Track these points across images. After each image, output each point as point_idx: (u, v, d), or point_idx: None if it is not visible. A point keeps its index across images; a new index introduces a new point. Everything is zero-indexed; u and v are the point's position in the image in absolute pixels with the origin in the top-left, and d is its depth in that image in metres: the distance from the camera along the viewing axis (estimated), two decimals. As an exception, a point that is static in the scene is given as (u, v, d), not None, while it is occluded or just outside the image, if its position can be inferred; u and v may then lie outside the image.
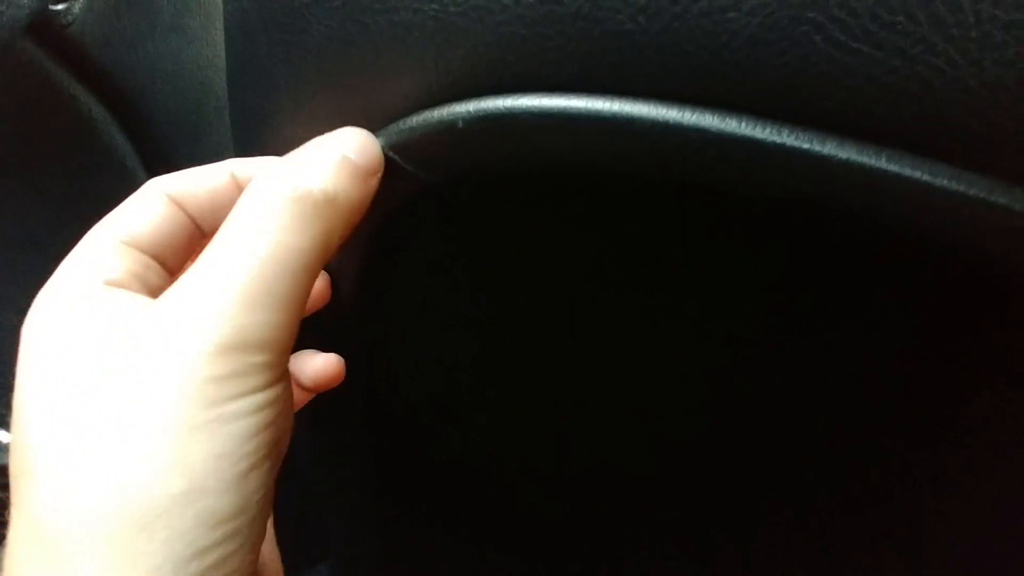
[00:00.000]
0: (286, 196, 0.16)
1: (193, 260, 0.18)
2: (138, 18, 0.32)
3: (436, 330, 0.27)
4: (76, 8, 0.31)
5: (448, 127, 0.16)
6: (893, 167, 0.12)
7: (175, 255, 0.20)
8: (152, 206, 0.20)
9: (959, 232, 0.13)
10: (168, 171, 0.34)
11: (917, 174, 0.12)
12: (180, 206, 0.20)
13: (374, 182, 0.17)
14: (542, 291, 0.25)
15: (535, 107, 0.15)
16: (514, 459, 0.32)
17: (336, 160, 0.17)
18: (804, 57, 0.12)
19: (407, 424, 0.33)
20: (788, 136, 0.13)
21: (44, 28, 0.29)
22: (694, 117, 0.13)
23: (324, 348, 0.25)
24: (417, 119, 0.16)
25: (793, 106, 0.12)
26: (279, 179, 0.16)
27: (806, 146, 0.12)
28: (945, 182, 0.12)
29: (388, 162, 0.17)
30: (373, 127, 0.17)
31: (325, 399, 0.30)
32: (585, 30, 0.14)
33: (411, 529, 0.41)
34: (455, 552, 0.40)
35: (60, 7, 0.31)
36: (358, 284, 0.24)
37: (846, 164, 0.12)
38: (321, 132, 0.18)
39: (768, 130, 0.13)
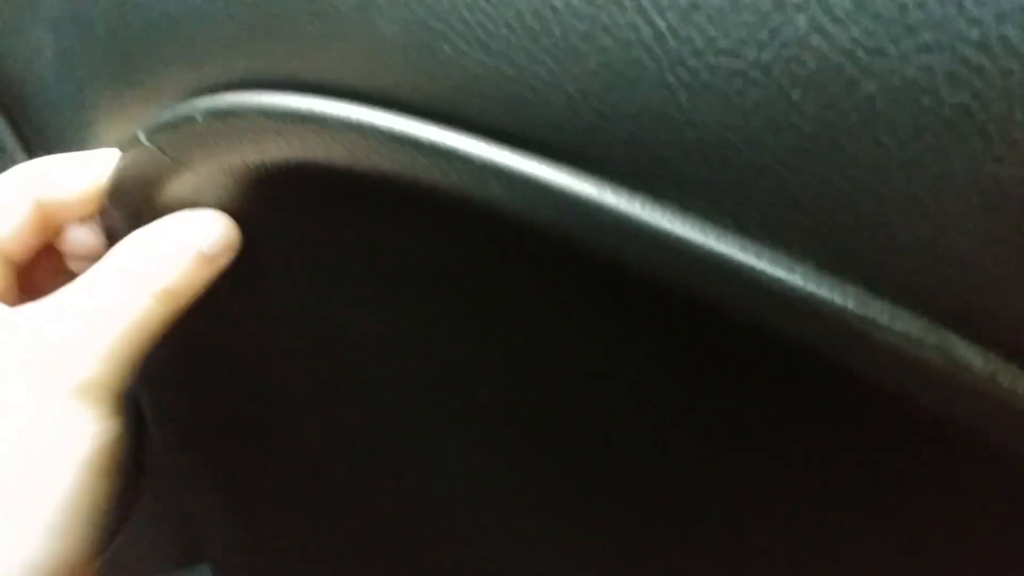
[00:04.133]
0: (150, 291, 0.19)
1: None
2: (19, 8, 0.34)
3: (275, 322, 0.29)
4: (-49, -4, 0.32)
5: (188, 120, 0.17)
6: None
7: (24, 253, 0.21)
8: (18, 211, 0.21)
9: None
10: (44, 152, 0.36)
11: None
12: (44, 209, 0.21)
13: (222, 262, 0.20)
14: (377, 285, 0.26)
15: (254, 104, 0.16)
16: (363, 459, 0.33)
17: (191, 256, 0.19)
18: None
19: (253, 420, 0.34)
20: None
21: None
22: (388, 119, 0.15)
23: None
24: (169, 112, 0.18)
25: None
26: (139, 275, 0.19)
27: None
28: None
29: (148, 151, 0.19)
30: (141, 117, 0.19)
31: (175, 398, 0.32)
32: (281, 31, 0.15)
33: (268, 526, 0.42)
34: (312, 547, 0.41)
35: (-68, -6, 0.32)
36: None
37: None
38: (111, 119, 0.20)
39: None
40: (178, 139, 0.18)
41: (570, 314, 0.18)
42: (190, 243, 0.19)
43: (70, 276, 0.20)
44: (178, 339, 0.26)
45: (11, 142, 0.36)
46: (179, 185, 0.20)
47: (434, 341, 0.24)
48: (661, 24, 0.11)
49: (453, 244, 0.20)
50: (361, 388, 0.28)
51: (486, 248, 0.17)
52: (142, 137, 0.18)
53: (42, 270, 0.22)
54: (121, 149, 0.20)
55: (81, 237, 0.22)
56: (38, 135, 0.36)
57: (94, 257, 0.20)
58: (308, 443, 0.33)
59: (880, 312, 0.11)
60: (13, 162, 0.36)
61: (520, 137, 0.13)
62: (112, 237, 0.22)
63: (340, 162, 0.16)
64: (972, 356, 0.11)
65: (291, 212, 0.20)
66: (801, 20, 0.10)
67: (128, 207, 0.20)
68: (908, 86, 0.10)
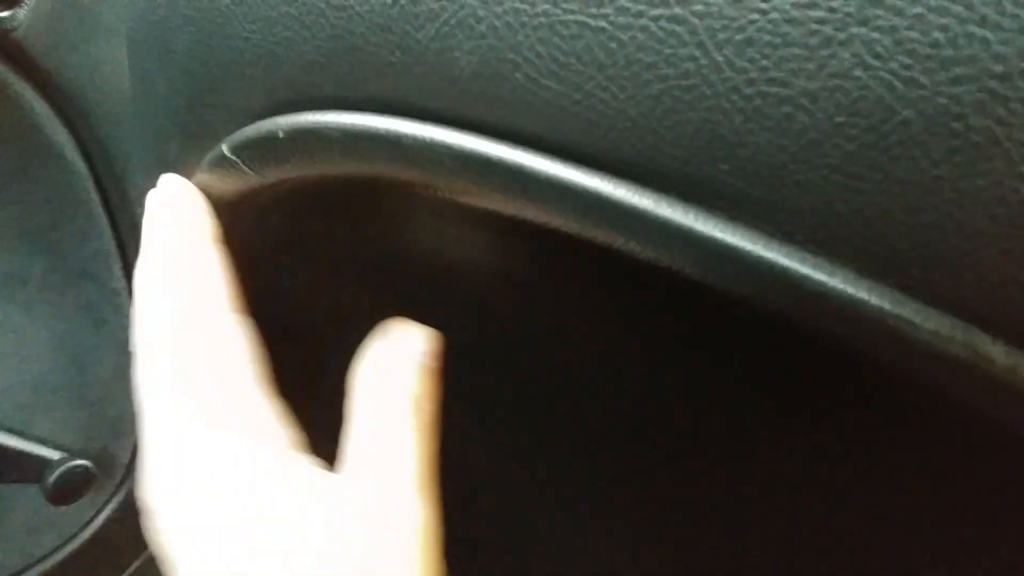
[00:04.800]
0: (410, 427, 0.20)
1: None
2: (78, 23, 0.35)
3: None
4: (21, 15, 0.34)
5: (271, 136, 0.19)
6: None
7: None
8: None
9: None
10: (103, 161, 0.38)
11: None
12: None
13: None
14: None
15: (334, 123, 0.18)
16: None
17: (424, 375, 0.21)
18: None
19: None
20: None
21: (-10, 31, 0.33)
22: (460, 139, 0.17)
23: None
24: (252, 129, 0.20)
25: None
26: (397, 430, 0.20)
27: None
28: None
29: (231, 163, 0.20)
30: (223, 135, 0.21)
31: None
32: (362, 60, 0.17)
33: None
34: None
35: (6, 14, 0.34)
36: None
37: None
38: (189, 134, 0.22)
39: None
40: (260, 154, 0.20)
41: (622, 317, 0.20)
42: (414, 361, 0.21)
43: None
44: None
45: (71, 150, 0.38)
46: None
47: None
48: (719, 57, 0.13)
49: (511, 252, 0.22)
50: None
51: (547, 254, 0.18)
52: (226, 151, 0.20)
53: None
54: (199, 161, 0.22)
55: None
56: (99, 145, 0.38)
57: None
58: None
59: (913, 312, 0.13)
60: (72, 170, 0.38)
61: (585, 155, 0.15)
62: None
63: (413, 179, 0.18)
64: (996, 351, 0.13)
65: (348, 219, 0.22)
66: (846, 55, 0.12)
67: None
68: (940, 113, 0.12)
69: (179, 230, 0.22)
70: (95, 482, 0.44)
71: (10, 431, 0.41)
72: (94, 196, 0.39)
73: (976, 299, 0.13)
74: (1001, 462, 0.20)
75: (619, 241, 0.15)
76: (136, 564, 0.56)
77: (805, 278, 0.13)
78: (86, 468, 0.42)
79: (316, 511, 0.18)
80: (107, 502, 0.49)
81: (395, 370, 0.20)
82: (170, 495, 0.19)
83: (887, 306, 0.13)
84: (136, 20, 0.24)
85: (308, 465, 0.19)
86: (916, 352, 0.13)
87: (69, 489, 0.42)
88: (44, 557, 0.48)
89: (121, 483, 0.49)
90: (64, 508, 0.45)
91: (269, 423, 0.20)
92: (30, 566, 0.47)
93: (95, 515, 0.49)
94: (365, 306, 0.25)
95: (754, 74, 0.12)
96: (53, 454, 0.42)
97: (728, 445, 0.26)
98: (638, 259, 0.15)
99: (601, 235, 0.15)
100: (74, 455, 0.42)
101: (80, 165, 0.38)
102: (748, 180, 0.13)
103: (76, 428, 0.44)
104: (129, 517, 0.51)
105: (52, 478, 0.41)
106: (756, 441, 0.25)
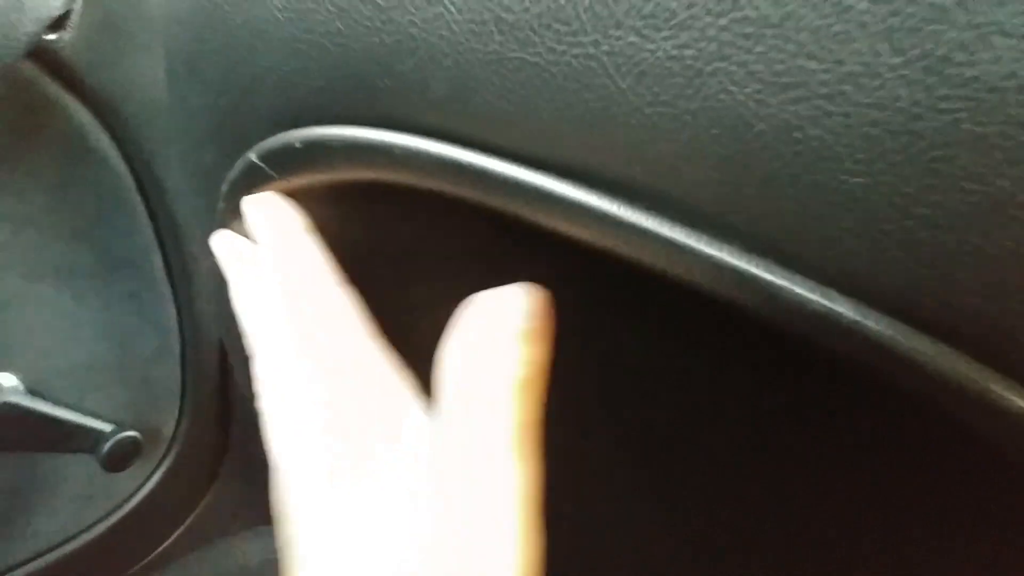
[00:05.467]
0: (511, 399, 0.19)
1: None
2: (116, 41, 0.40)
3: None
4: (66, 36, 0.39)
5: (290, 146, 0.23)
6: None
7: None
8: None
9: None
10: (143, 165, 0.42)
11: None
12: None
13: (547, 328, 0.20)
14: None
15: (339, 136, 0.22)
16: None
17: (520, 341, 0.19)
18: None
19: None
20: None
21: (40, 52, 0.37)
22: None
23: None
24: (274, 140, 0.24)
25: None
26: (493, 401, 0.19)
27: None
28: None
29: (258, 168, 0.25)
30: (251, 144, 0.25)
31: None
32: (359, 84, 0.21)
33: None
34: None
35: (52, 36, 0.38)
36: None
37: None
38: (219, 141, 0.26)
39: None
40: (281, 161, 0.24)
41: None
42: (510, 328, 0.19)
43: None
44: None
45: (114, 155, 0.42)
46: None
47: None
48: (624, 85, 0.17)
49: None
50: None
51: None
52: (254, 158, 0.24)
53: None
54: (232, 165, 0.26)
55: None
56: (138, 150, 0.42)
57: None
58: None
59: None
60: (116, 173, 0.43)
61: (533, 159, 0.19)
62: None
63: (402, 180, 0.22)
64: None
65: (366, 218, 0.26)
66: (713, 83, 0.16)
67: (240, 208, 0.26)
68: (784, 126, 0.15)
69: (277, 224, 0.25)
70: (143, 452, 0.49)
71: (67, 407, 0.46)
72: (135, 196, 0.44)
73: (833, 264, 0.17)
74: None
75: (550, 221, 0.19)
76: (179, 532, 0.61)
77: (699, 254, 0.17)
78: (135, 439, 0.47)
79: (423, 456, 0.20)
80: (152, 473, 0.54)
81: (493, 331, 0.20)
82: (294, 436, 0.22)
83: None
84: (172, 48, 0.28)
85: (420, 412, 0.22)
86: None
87: (121, 457, 0.47)
88: (97, 522, 0.53)
89: (165, 455, 0.54)
90: (114, 477, 0.51)
91: (387, 372, 0.23)
92: (84, 531, 0.52)
93: (142, 485, 0.54)
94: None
95: (649, 97, 0.16)
96: (106, 426, 0.47)
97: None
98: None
99: (543, 219, 0.19)
100: (123, 428, 0.47)
101: (122, 169, 0.43)
102: (653, 177, 0.17)
103: (123, 404, 0.49)
104: (172, 489, 0.57)
105: (106, 447, 0.46)
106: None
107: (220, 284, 0.28)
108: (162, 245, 0.45)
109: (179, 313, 0.48)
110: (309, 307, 0.24)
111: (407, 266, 0.31)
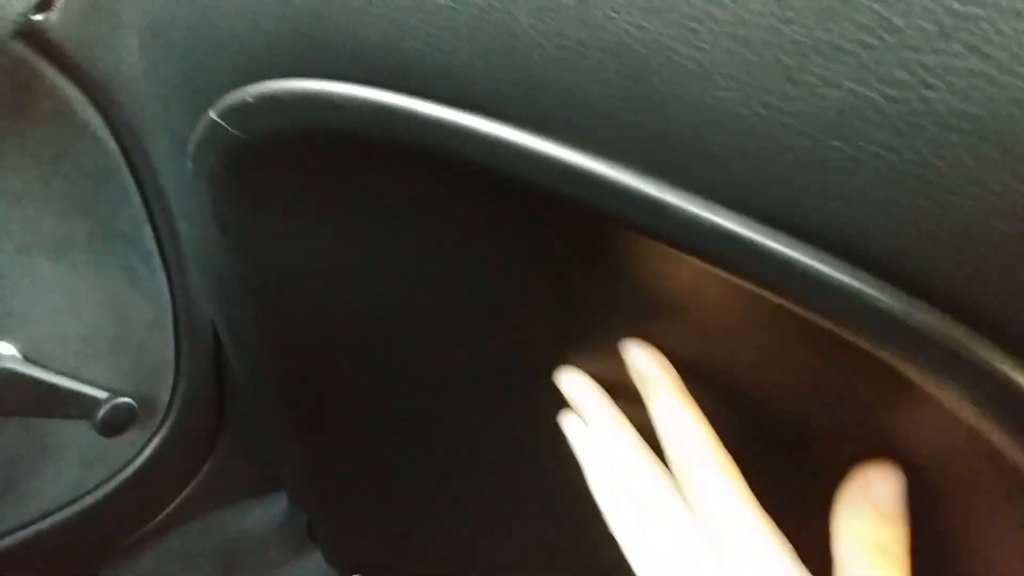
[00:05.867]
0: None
1: None
2: (102, 21, 0.42)
3: (318, 274, 0.36)
4: (54, 17, 0.41)
5: (244, 101, 0.25)
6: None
7: None
8: None
9: None
10: (131, 139, 0.44)
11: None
12: None
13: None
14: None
15: (286, 88, 0.24)
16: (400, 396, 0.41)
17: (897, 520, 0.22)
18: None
19: (308, 362, 0.42)
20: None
21: (29, 32, 0.39)
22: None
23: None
24: (229, 96, 0.26)
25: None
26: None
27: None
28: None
29: (219, 127, 0.27)
30: (211, 103, 0.27)
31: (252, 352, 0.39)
32: (301, 39, 0.23)
33: (333, 452, 0.50)
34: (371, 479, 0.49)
35: (40, 17, 0.40)
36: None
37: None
38: (184, 103, 0.28)
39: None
40: (237, 116, 0.26)
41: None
42: (884, 505, 0.22)
43: None
44: (256, 296, 0.34)
45: (103, 130, 0.44)
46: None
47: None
48: (525, 20, 0.18)
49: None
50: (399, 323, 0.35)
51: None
52: (213, 115, 0.26)
53: None
54: (193, 125, 0.28)
55: None
56: (126, 125, 0.44)
57: None
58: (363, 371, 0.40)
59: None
60: (105, 149, 0.45)
61: (448, 97, 0.21)
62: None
63: (345, 128, 0.24)
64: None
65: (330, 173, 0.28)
66: (611, 16, 0.17)
67: (205, 168, 0.28)
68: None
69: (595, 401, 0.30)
70: (138, 418, 0.51)
71: (64, 374, 0.48)
72: (124, 170, 0.46)
73: (708, 178, 0.18)
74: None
75: (475, 155, 0.21)
76: (179, 499, 0.64)
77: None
78: (130, 405, 0.50)
79: None
80: (149, 440, 0.57)
81: (864, 514, 0.22)
82: None
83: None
84: (145, 17, 0.30)
85: None
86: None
87: (116, 423, 0.49)
88: (96, 487, 0.55)
89: (162, 422, 0.56)
90: (114, 443, 0.53)
91: (772, 542, 0.24)
92: (87, 493, 0.55)
93: (140, 451, 0.56)
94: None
95: (544, 29, 0.18)
96: (101, 394, 0.49)
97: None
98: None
99: (469, 152, 0.21)
100: (119, 395, 0.50)
101: (112, 144, 0.45)
102: (556, 107, 0.19)
103: (119, 372, 0.51)
104: (170, 456, 0.59)
105: (101, 413, 0.48)
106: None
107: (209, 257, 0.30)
108: (152, 217, 0.47)
109: (171, 284, 0.50)
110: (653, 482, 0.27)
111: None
